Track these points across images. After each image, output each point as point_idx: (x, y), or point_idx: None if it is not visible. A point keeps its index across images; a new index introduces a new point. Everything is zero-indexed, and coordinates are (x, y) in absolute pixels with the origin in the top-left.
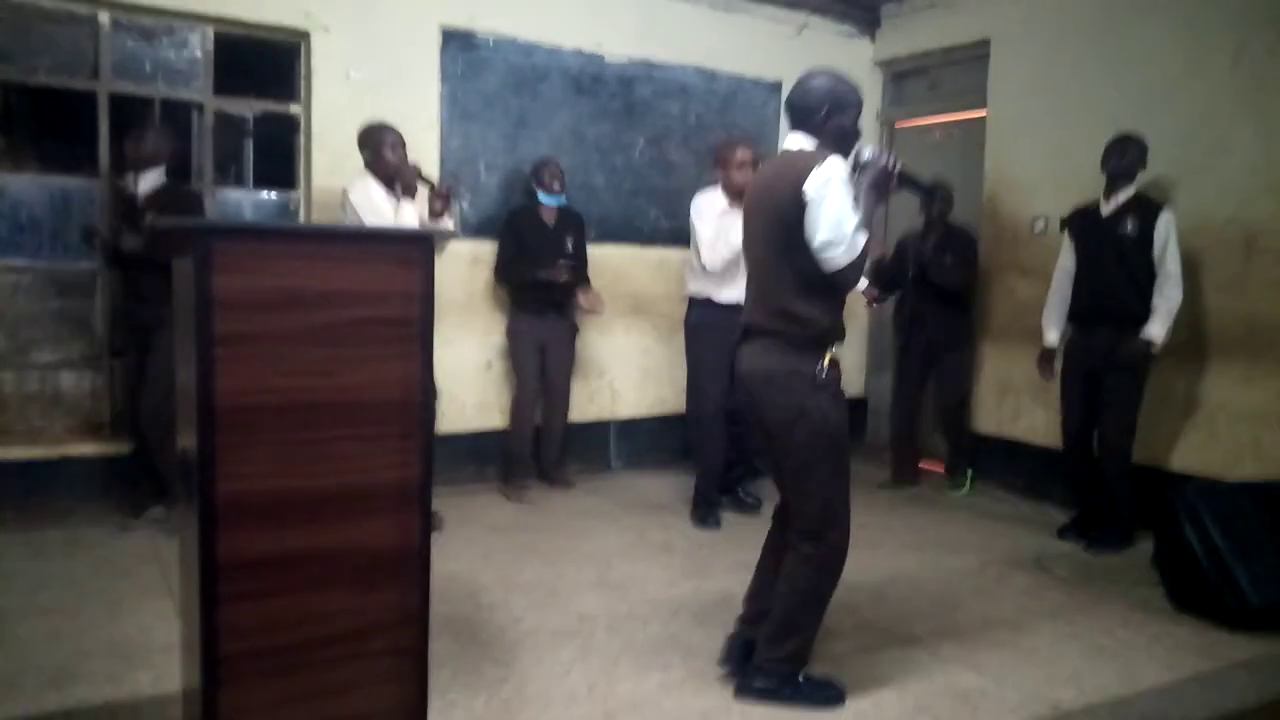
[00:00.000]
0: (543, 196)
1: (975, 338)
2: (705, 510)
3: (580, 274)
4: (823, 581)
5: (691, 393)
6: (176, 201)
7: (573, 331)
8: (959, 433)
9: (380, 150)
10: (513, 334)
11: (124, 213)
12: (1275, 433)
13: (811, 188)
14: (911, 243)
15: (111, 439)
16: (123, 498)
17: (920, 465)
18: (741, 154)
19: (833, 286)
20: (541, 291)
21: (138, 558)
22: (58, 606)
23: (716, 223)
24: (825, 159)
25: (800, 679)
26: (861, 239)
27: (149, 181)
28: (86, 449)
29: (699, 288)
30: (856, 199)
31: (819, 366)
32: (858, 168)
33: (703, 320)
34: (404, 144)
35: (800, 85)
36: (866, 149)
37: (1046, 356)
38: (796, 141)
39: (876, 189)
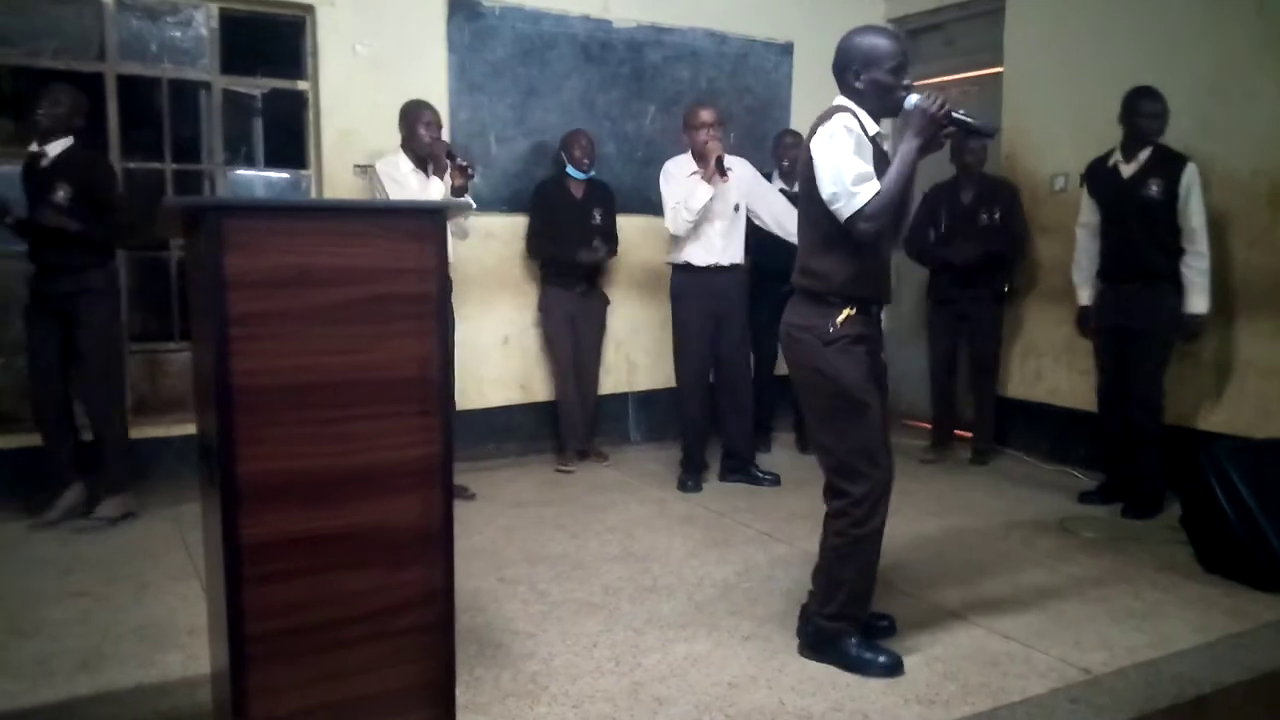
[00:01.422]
0: (571, 170)
1: (1016, 295)
2: (684, 475)
3: (612, 246)
4: (854, 536)
5: (675, 358)
6: (86, 169)
7: (604, 304)
8: (991, 399)
9: (415, 127)
10: (544, 308)
11: (36, 183)
12: None
13: (815, 143)
14: (942, 194)
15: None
16: (28, 493)
17: (955, 431)
18: (705, 114)
19: (854, 242)
20: (572, 265)
21: (165, 542)
22: (87, 590)
23: (682, 185)
24: (834, 114)
25: (853, 641)
26: (863, 190)
27: (57, 149)
28: None
29: (677, 253)
30: (889, 153)
31: (831, 323)
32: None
33: (683, 285)
34: (439, 122)
35: (837, 47)
36: (911, 99)
37: (1084, 316)
38: (837, 103)
39: (920, 137)
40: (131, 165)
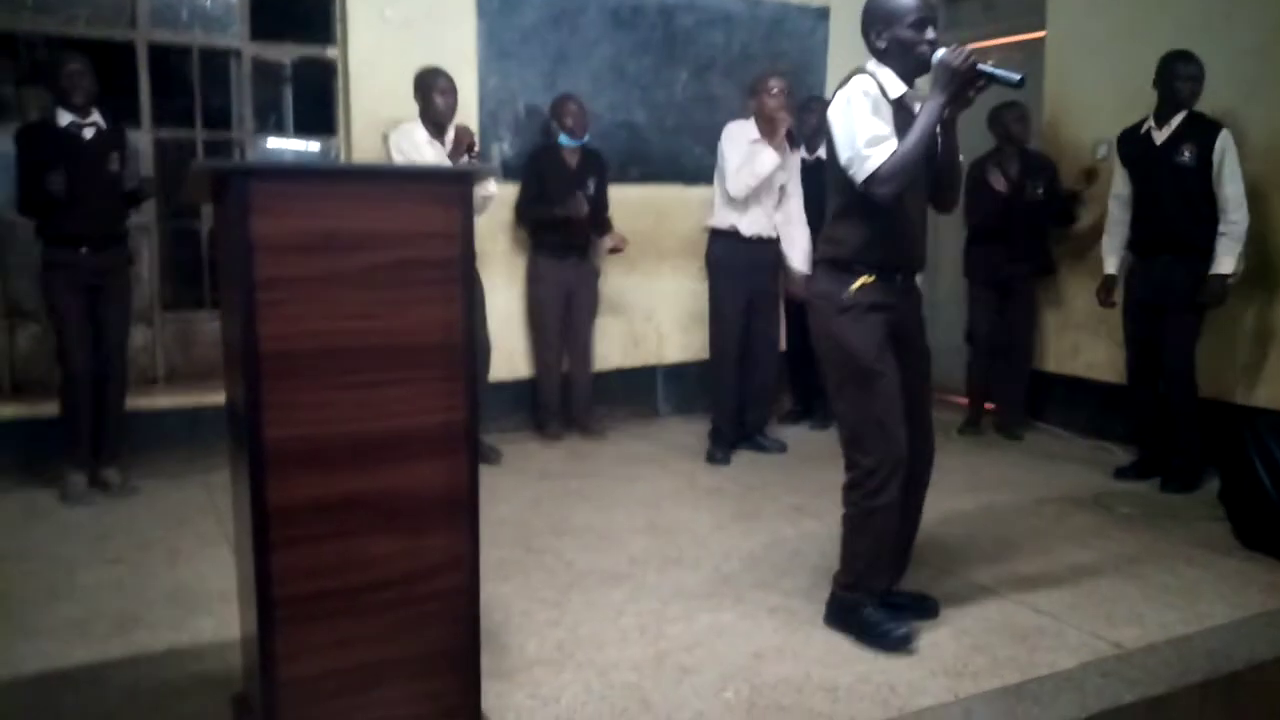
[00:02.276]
0: (563, 139)
1: (1055, 269)
2: (714, 448)
3: (601, 216)
4: (865, 508)
5: (711, 329)
6: (124, 140)
7: (595, 275)
8: (1024, 374)
9: (430, 95)
10: (534, 279)
11: (77, 154)
12: None
13: (831, 109)
14: (989, 167)
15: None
16: (55, 462)
17: (986, 405)
18: (775, 83)
19: (873, 207)
20: (563, 234)
21: (196, 508)
22: (121, 556)
23: (746, 149)
24: (852, 79)
25: (865, 611)
26: (876, 152)
27: (98, 120)
28: None
29: (724, 218)
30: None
31: (846, 290)
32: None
33: (724, 254)
34: (455, 89)
35: (863, 8)
36: (938, 53)
37: (1106, 285)
38: (859, 68)
39: (945, 93)
40: (163, 133)
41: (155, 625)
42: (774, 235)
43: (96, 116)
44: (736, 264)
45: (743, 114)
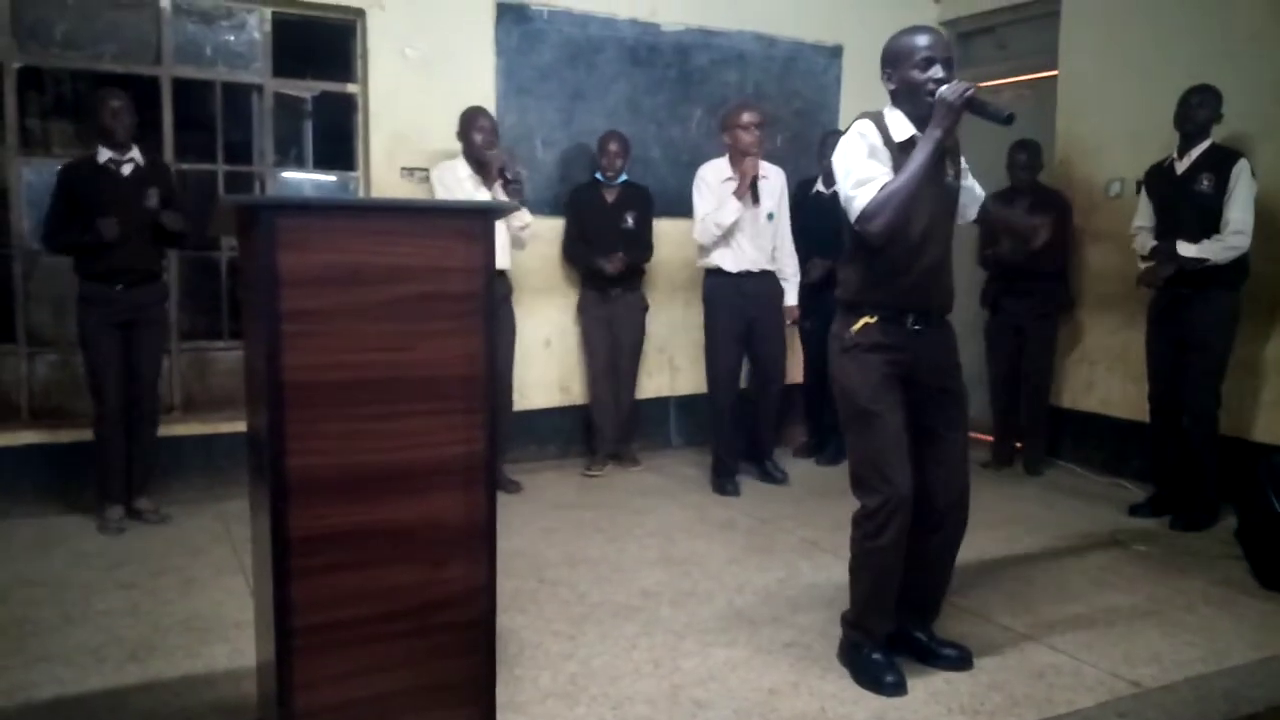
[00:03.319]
0: (599, 176)
1: (1074, 307)
2: (720, 478)
3: (644, 252)
4: (866, 548)
5: (706, 362)
6: (165, 175)
7: (642, 308)
8: (1044, 410)
9: (470, 133)
10: (581, 310)
11: (116, 191)
12: None
13: (834, 154)
14: (997, 207)
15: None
16: (76, 489)
17: (1016, 445)
18: (746, 116)
19: (875, 249)
20: (601, 270)
21: (211, 537)
22: (136, 583)
23: (718, 192)
24: (854, 123)
25: (865, 651)
26: (860, 193)
27: (138, 156)
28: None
29: (707, 258)
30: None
31: (848, 330)
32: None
33: (714, 290)
34: (495, 129)
35: None
36: (941, 89)
37: (1154, 255)
38: (864, 111)
39: (940, 128)
40: (185, 166)
41: (170, 652)
42: (763, 267)
43: (135, 153)
44: (728, 298)
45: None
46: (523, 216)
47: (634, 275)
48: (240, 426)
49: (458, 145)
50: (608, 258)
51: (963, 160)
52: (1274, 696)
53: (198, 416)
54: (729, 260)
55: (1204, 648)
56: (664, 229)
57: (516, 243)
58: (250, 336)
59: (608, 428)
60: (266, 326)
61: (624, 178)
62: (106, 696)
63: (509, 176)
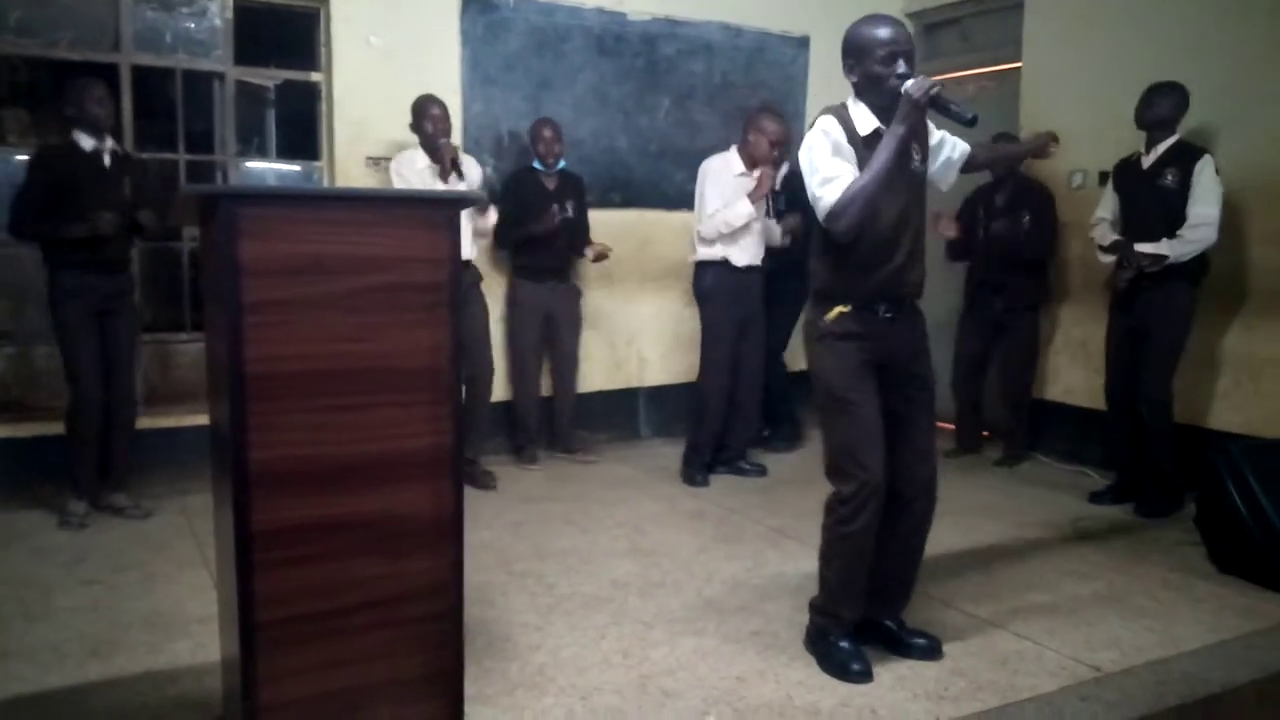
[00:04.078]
0: (537, 164)
1: (1053, 301)
2: (693, 470)
3: (580, 238)
4: (838, 534)
5: (704, 356)
6: (138, 165)
7: (576, 296)
8: (1024, 404)
9: (421, 122)
10: (512, 303)
11: (98, 180)
12: None
13: (800, 151)
14: (981, 198)
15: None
16: (36, 483)
17: (983, 434)
18: (773, 128)
19: (843, 240)
20: (541, 257)
21: (174, 532)
22: (97, 579)
23: (728, 187)
24: (818, 119)
25: (831, 639)
26: (827, 191)
27: (114, 146)
28: None
29: (713, 251)
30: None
31: (822, 319)
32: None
33: (717, 284)
34: (446, 116)
35: None
36: (906, 84)
37: (1117, 248)
38: (827, 106)
39: (903, 124)
40: (145, 156)
41: (132, 649)
42: (761, 262)
43: (112, 142)
44: (731, 293)
45: (723, 144)
46: (490, 217)
47: (568, 264)
48: (203, 419)
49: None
50: (541, 220)
51: (935, 135)
52: (1230, 678)
53: (160, 410)
54: (737, 254)
55: (1162, 632)
56: (633, 219)
57: (480, 231)
58: (212, 328)
59: (534, 424)
60: (228, 318)
61: (562, 164)
62: (67, 694)
63: (460, 169)
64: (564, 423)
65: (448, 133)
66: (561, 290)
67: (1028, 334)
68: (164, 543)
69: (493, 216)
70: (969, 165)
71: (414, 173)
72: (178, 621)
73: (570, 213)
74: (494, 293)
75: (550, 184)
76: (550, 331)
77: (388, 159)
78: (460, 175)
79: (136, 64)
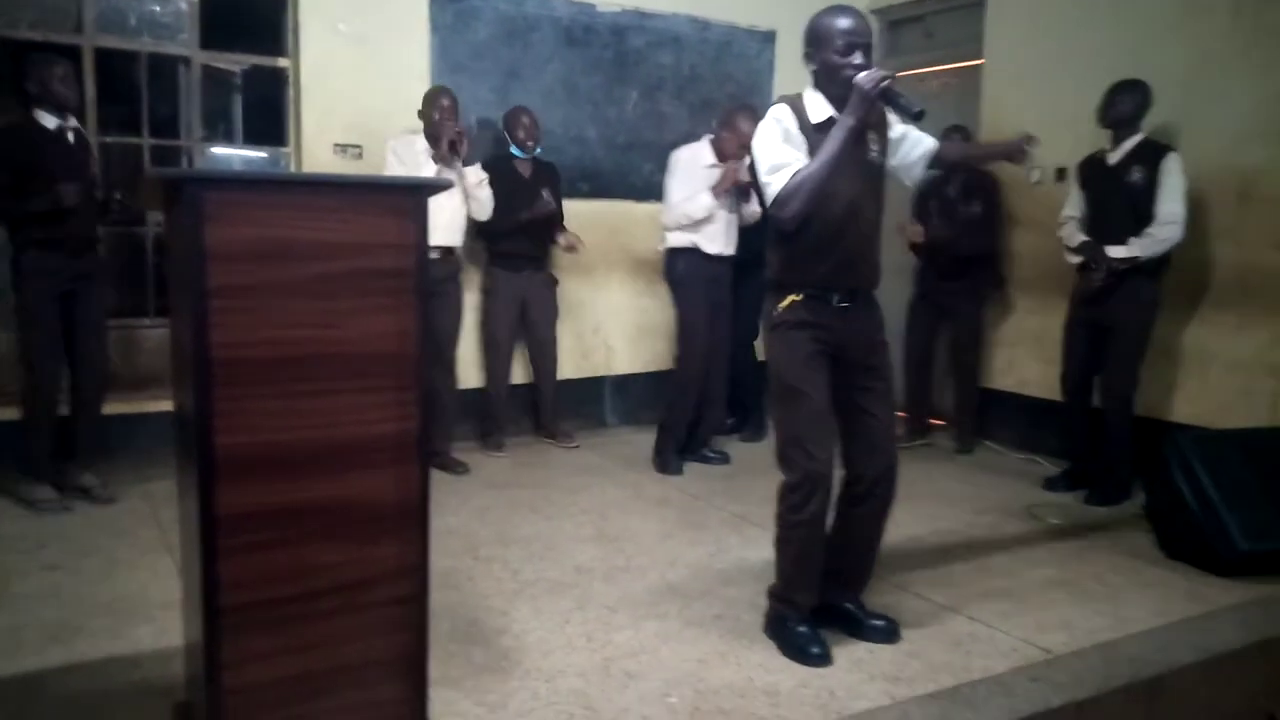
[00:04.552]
0: (515, 150)
1: (1002, 289)
2: (667, 458)
3: (555, 223)
4: (789, 522)
5: (681, 343)
6: (89, 145)
7: (552, 283)
8: (972, 391)
9: (430, 111)
10: (489, 291)
11: (66, 158)
12: (1266, 382)
13: (753, 139)
14: (932, 189)
15: None
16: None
17: (931, 420)
18: (746, 128)
19: (794, 229)
20: (518, 245)
21: (137, 518)
22: (58, 564)
23: (696, 178)
24: (772, 108)
25: (789, 624)
26: (774, 179)
27: (76, 124)
28: None
29: (682, 238)
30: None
31: (776, 309)
32: None
33: (689, 271)
34: (454, 108)
35: None
36: (858, 76)
37: (1086, 249)
38: (782, 95)
39: (853, 115)
40: (108, 139)
41: (94, 634)
42: (732, 253)
43: (75, 122)
44: (703, 280)
45: (691, 136)
46: (475, 173)
47: (544, 253)
48: (167, 405)
49: (391, 121)
50: (533, 206)
51: (897, 129)
52: (1175, 659)
53: (124, 396)
54: (706, 243)
55: (1111, 615)
56: (600, 210)
57: (477, 205)
58: (176, 313)
59: (503, 412)
60: (193, 303)
61: (539, 151)
62: (26, 680)
63: (457, 149)
64: (548, 408)
65: (455, 119)
66: (538, 279)
67: (974, 321)
68: (127, 529)
69: (479, 172)
70: (937, 161)
71: (411, 155)
72: (140, 607)
73: (547, 199)
74: (469, 281)
75: (526, 171)
76: (526, 319)
77: (356, 146)
78: (458, 155)
79: (99, 46)
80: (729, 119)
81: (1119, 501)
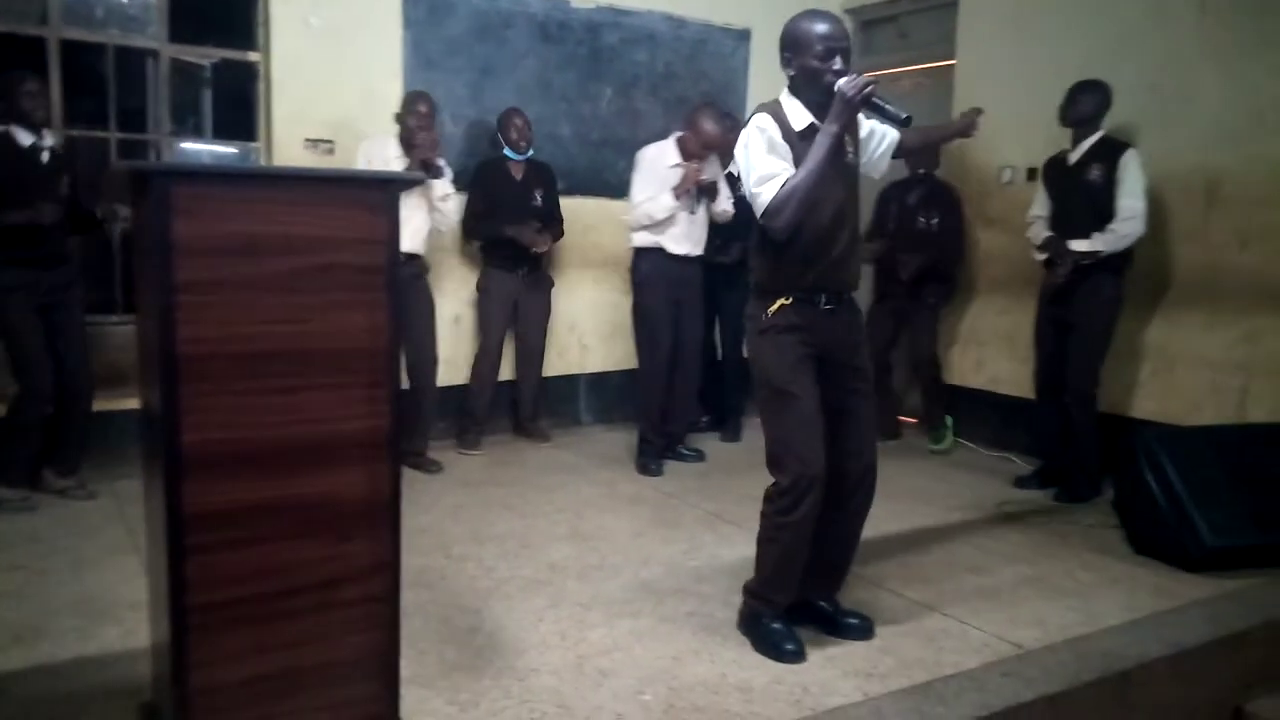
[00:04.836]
0: (508, 151)
1: (963, 291)
2: (646, 459)
3: (554, 229)
4: (776, 523)
5: (640, 343)
6: (72, 159)
7: (547, 285)
8: (936, 386)
9: (405, 115)
10: (483, 290)
11: (37, 175)
12: (1233, 379)
13: (737, 147)
14: (894, 194)
15: None
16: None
17: (899, 419)
18: (712, 132)
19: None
20: (513, 247)
21: (104, 517)
22: (23, 564)
23: (659, 177)
24: (753, 116)
25: (764, 621)
26: (764, 190)
27: (53, 141)
28: None
29: (648, 237)
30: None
31: (765, 312)
32: None
33: (651, 271)
34: (430, 113)
35: None
36: (839, 81)
37: (1049, 246)
38: (762, 103)
39: (837, 122)
40: (74, 133)
41: (59, 635)
42: (698, 253)
43: (51, 139)
44: (664, 279)
45: (665, 134)
46: (443, 186)
47: (540, 254)
48: (135, 403)
49: (364, 116)
50: (520, 227)
51: (865, 127)
52: (1145, 654)
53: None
54: (670, 243)
55: (1082, 611)
56: (575, 207)
57: (440, 216)
58: (143, 309)
59: (484, 410)
60: (160, 298)
61: (531, 152)
62: None
63: (437, 165)
64: (528, 408)
65: (430, 130)
66: (533, 279)
67: (928, 332)
68: (94, 528)
69: (445, 186)
70: (899, 151)
71: (381, 160)
72: (107, 607)
73: (539, 201)
74: (467, 280)
75: (518, 173)
76: (517, 319)
77: (328, 141)
78: (439, 173)
79: (65, 38)
80: (693, 118)
81: (1089, 498)
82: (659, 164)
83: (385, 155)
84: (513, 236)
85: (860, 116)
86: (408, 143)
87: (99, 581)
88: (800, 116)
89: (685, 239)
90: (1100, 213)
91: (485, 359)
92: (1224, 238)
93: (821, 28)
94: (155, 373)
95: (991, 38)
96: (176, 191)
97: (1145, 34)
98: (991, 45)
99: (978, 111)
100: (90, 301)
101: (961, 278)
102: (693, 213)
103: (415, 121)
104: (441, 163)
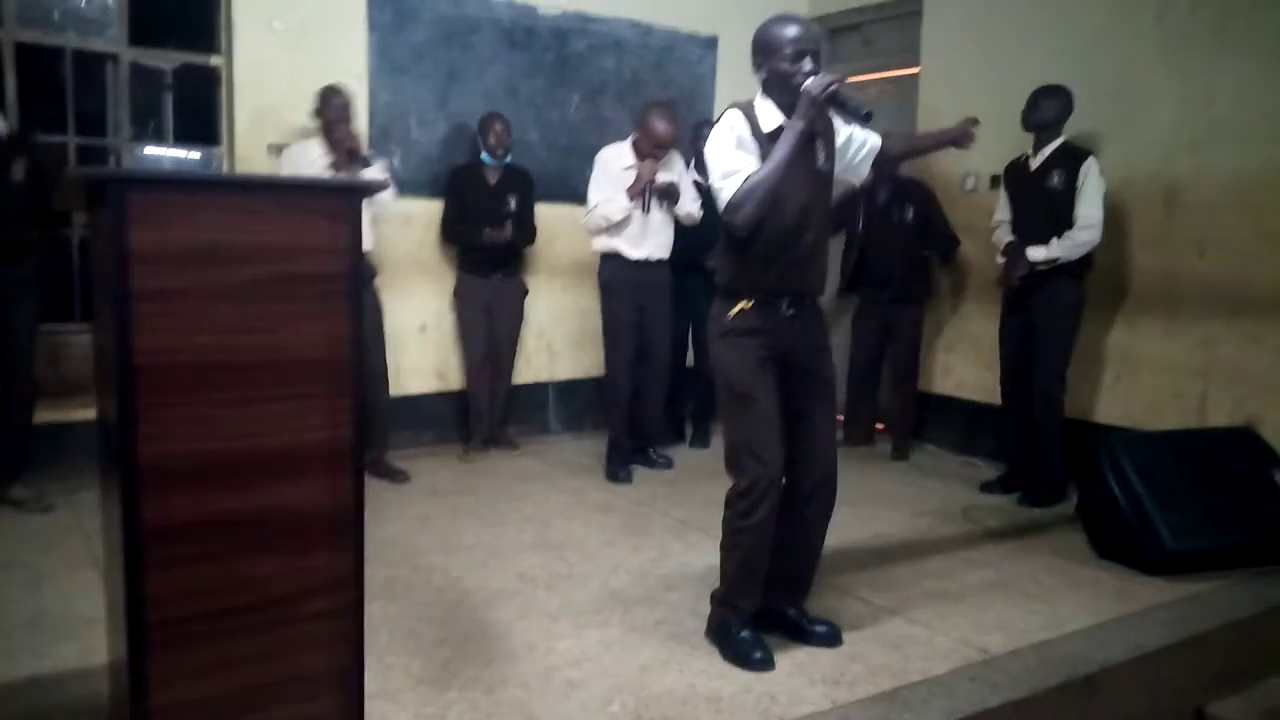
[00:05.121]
0: (484, 156)
1: (930, 297)
2: (615, 466)
3: (524, 234)
4: (736, 527)
5: (606, 349)
6: (34, 146)
7: (521, 292)
8: (911, 400)
9: (321, 110)
10: (459, 295)
11: None
12: (1193, 384)
13: (705, 146)
14: (862, 195)
15: None
16: None
17: (875, 426)
18: (663, 130)
19: (743, 237)
20: (487, 252)
21: (62, 530)
22: None
23: (614, 180)
24: (724, 115)
25: (731, 629)
26: (726, 184)
27: (4, 127)
28: None
29: (606, 242)
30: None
31: (726, 315)
32: None
33: (613, 276)
34: (346, 106)
35: None
36: (806, 82)
37: (1008, 251)
38: (734, 101)
39: (803, 120)
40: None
41: (14, 653)
42: (660, 257)
43: (4, 124)
44: (627, 285)
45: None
46: (376, 172)
47: (514, 259)
48: (93, 414)
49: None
50: (491, 229)
51: (842, 134)
52: (1109, 658)
53: (49, 404)
54: (628, 246)
55: (1046, 615)
56: (543, 214)
57: (377, 208)
58: (100, 318)
59: (485, 413)
60: (117, 307)
61: (509, 159)
62: None
63: (363, 156)
64: (496, 416)
65: (348, 123)
66: (507, 285)
67: (913, 330)
68: (52, 541)
69: (371, 174)
70: (883, 157)
71: (306, 163)
72: (65, 623)
73: (513, 206)
74: (444, 286)
75: (493, 178)
76: (490, 324)
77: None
78: (365, 163)
79: (21, 41)
80: (642, 118)
81: (1053, 503)
82: (613, 166)
83: (309, 159)
84: (486, 241)
85: (839, 122)
86: (328, 138)
87: (56, 597)
88: (771, 118)
89: (643, 241)
90: (1059, 219)
91: (474, 364)
92: (1182, 245)
93: (791, 31)
94: (112, 383)
95: (955, 46)
96: (133, 199)
97: (1106, 43)
98: (955, 54)
99: (973, 121)
100: (48, 310)
101: (936, 269)
102: (646, 211)
103: (332, 115)
104: (369, 153)
